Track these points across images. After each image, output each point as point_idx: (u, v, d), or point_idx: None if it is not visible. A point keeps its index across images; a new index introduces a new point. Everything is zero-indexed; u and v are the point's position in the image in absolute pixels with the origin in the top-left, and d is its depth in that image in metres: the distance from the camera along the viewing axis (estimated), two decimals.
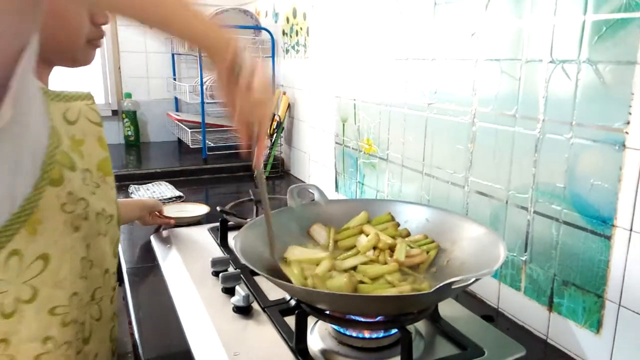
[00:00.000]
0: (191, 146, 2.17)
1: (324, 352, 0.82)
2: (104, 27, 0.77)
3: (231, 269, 1.08)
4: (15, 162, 0.60)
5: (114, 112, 2.47)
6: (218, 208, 1.33)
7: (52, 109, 0.70)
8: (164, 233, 1.33)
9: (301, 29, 1.83)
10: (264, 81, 0.72)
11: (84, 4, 0.68)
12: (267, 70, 0.73)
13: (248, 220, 1.08)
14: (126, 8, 0.61)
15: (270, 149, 1.98)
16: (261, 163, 0.79)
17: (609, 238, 0.76)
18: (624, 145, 0.73)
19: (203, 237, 1.30)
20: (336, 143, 1.61)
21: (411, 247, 0.91)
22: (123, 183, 1.85)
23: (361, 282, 0.83)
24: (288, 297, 0.95)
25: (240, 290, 0.94)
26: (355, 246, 0.94)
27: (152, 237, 1.31)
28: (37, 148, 0.63)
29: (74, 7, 0.69)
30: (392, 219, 1.00)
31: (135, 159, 2.26)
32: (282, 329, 0.87)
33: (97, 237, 0.75)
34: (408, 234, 0.97)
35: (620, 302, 0.76)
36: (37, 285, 0.65)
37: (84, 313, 0.74)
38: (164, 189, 1.74)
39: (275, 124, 1.95)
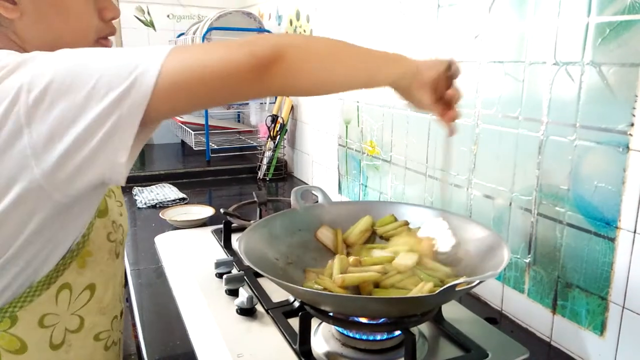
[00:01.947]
0: (194, 148, 2.18)
1: (328, 354, 0.82)
2: (114, 23, 0.73)
3: (235, 271, 1.08)
4: (97, 200, 0.63)
5: None
6: (222, 210, 1.33)
7: None
8: (168, 235, 1.34)
9: (304, 31, 1.84)
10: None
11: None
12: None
13: (252, 222, 1.08)
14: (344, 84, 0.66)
15: (274, 151, 1.98)
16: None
17: (612, 240, 0.76)
18: (627, 148, 0.73)
19: (207, 239, 1.31)
20: (339, 145, 1.61)
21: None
22: (127, 185, 1.86)
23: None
24: (292, 299, 0.95)
25: (244, 292, 0.94)
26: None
27: (156, 239, 1.31)
28: None
29: (81, 2, 0.66)
30: (395, 220, 1.00)
31: (138, 161, 2.27)
32: (285, 330, 0.87)
33: (123, 258, 0.78)
34: None
35: (624, 304, 0.76)
36: (84, 314, 0.66)
37: (118, 331, 0.76)
38: (167, 191, 1.74)
39: (278, 126, 1.95)
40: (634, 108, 0.71)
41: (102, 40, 0.72)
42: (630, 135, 0.72)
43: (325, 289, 0.80)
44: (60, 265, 0.61)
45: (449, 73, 0.73)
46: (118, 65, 0.50)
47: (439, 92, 0.73)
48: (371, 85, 0.69)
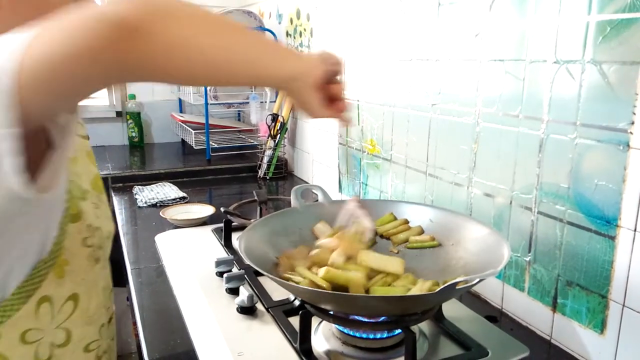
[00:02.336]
0: (195, 147, 2.18)
1: (328, 353, 0.82)
2: None
3: (235, 270, 1.08)
4: (53, 208, 0.58)
5: (118, 114, 2.48)
6: (222, 209, 1.33)
7: None
8: (168, 234, 1.34)
9: (305, 30, 1.83)
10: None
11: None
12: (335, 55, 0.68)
13: (252, 220, 1.08)
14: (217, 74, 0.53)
15: (274, 150, 1.98)
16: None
17: (613, 238, 0.76)
18: (628, 146, 0.73)
19: (207, 238, 1.31)
20: (340, 144, 1.61)
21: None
22: (127, 184, 1.86)
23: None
24: (292, 298, 0.95)
25: (245, 291, 0.95)
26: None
27: (156, 238, 1.31)
28: (65, 187, 0.61)
29: None
30: (395, 218, 1.00)
31: (139, 160, 2.27)
32: (286, 329, 0.87)
33: (106, 261, 0.73)
34: (422, 231, 0.97)
35: (624, 302, 0.76)
36: (70, 327, 0.63)
37: (107, 338, 0.72)
38: (167, 190, 1.74)
39: (279, 124, 1.95)
40: (635, 106, 0.71)
41: None
42: (631, 133, 0.72)
43: (311, 282, 0.79)
44: (34, 277, 0.57)
45: (331, 69, 0.66)
46: None
47: (326, 92, 0.66)
48: (259, 81, 0.61)
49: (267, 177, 1.99)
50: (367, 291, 0.80)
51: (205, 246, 1.25)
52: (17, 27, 0.55)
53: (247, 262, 0.77)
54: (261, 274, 0.88)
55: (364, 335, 0.82)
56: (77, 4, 0.63)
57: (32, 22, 0.58)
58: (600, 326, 0.80)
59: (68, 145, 0.52)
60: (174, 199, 1.65)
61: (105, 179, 1.86)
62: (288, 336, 0.85)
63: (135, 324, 0.96)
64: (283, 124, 1.95)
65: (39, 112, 0.45)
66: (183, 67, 0.48)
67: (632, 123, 0.72)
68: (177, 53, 0.46)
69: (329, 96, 0.67)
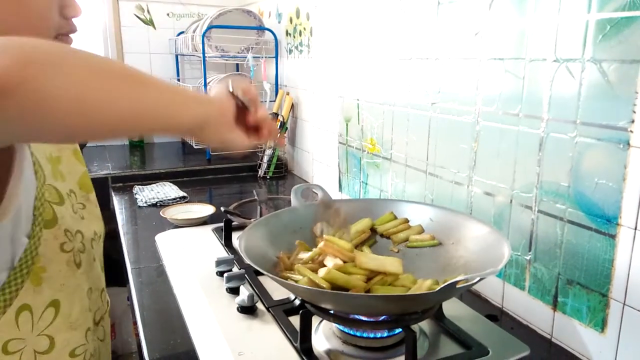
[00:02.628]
0: (195, 147, 2.18)
1: (329, 352, 0.82)
2: (75, 21, 0.66)
3: (235, 269, 1.08)
4: (15, 214, 0.56)
5: None
6: (222, 208, 1.33)
7: None
8: (169, 233, 1.34)
9: (304, 29, 1.83)
10: (252, 90, 0.67)
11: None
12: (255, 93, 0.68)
13: (252, 220, 1.08)
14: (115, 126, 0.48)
15: (274, 149, 1.98)
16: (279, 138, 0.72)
17: (613, 237, 0.76)
18: (628, 144, 0.72)
19: (207, 237, 1.31)
20: (340, 143, 1.61)
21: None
22: (127, 184, 1.86)
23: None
24: (292, 297, 0.95)
25: (245, 290, 0.95)
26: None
27: (156, 238, 1.31)
28: (28, 199, 0.59)
29: None
30: (395, 218, 1.00)
31: (139, 159, 2.27)
32: (286, 328, 0.87)
33: (93, 263, 0.72)
34: (422, 230, 0.97)
35: (625, 301, 0.76)
36: (53, 333, 0.62)
37: (93, 341, 0.71)
38: (168, 190, 1.74)
39: (279, 124, 1.95)
40: (635, 104, 0.71)
41: (62, 36, 0.65)
42: (631, 131, 0.72)
43: (310, 281, 0.79)
44: (10, 287, 0.56)
45: (242, 99, 0.65)
46: None
47: (245, 122, 0.65)
48: (166, 132, 0.57)
49: (267, 177, 1.99)
50: (367, 292, 0.80)
51: (205, 246, 1.25)
52: None
53: (247, 261, 0.77)
54: (261, 274, 0.88)
55: (365, 335, 0.82)
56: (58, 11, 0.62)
57: (10, 24, 0.57)
58: (601, 325, 0.80)
59: (12, 171, 0.50)
60: (174, 199, 1.65)
61: (105, 179, 1.87)
62: (288, 335, 0.85)
63: (135, 323, 0.96)
64: (283, 123, 1.95)
65: None
66: (66, 123, 0.43)
67: (632, 121, 0.72)
68: (57, 110, 0.41)
69: (250, 125, 0.66)
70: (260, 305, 0.95)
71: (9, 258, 0.56)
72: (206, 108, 0.58)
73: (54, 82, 0.40)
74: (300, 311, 0.81)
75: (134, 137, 0.52)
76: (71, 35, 0.65)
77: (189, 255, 1.19)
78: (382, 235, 0.98)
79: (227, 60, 2.17)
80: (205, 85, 2.05)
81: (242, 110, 0.65)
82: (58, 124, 0.43)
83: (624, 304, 0.76)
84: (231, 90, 0.65)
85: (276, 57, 2.11)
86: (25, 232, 0.58)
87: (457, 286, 0.67)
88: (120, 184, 1.86)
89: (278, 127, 1.95)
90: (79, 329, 0.66)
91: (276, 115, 1.96)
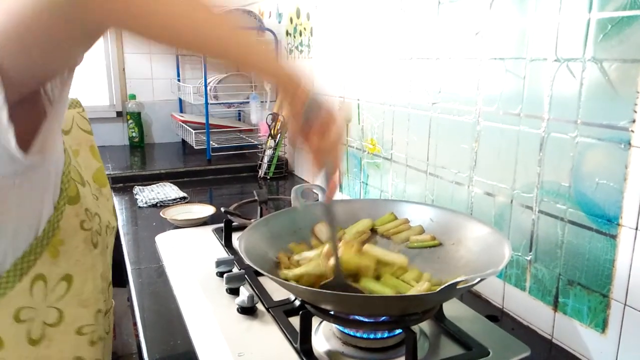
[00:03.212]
0: (195, 147, 2.17)
1: (329, 353, 0.82)
2: None
3: (235, 270, 1.08)
4: (44, 186, 0.59)
5: (119, 114, 2.48)
6: (222, 209, 1.33)
7: None
8: (169, 234, 1.34)
9: (305, 29, 1.83)
10: (337, 128, 0.68)
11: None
12: (339, 114, 0.69)
13: (252, 220, 1.08)
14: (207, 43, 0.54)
15: (274, 149, 1.98)
16: (332, 199, 0.75)
17: (614, 237, 0.76)
18: (629, 144, 0.72)
19: (207, 238, 1.31)
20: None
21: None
22: (127, 184, 1.86)
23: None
24: (292, 298, 0.95)
25: (245, 291, 0.94)
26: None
27: (156, 238, 1.31)
28: (58, 167, 0.62)
29: None
30: (395, 218, 0.99)
31: (139, 160, 2.27)
32: (286, 329, 0.87)
33: (107, 250, 0.74)
34: (422, 231, 0.96)
35: (625, 301, 0.75)
36: (62, 307, 0.63)
37: (103, 329, 0.73)
38: (168, 190, 1.74)
39: (279, 124, 1.95)
40: (636, 104, 0.71)
41: None
42: (632, 131, 0.72)
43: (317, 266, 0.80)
44: (30, 254, 0.59)
45: (313, 114, 0.66)
46: None
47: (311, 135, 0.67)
48: (233, 58, 0.61)
49: (268, 177, 1.99)
50: (377, 278, 0.82)
51: (205, 246, 1.25)
52: None
53: (248, 262, 0.77)
54: (261, 274, 0.88)
55: (365, 335, 0.81)
56: None
57: None
58: (602, 325, 0.80)
59: (58, 114, 0.53)
60: (174, 199, 1.65)
61: None
62: (288, 336, 0.85)
63: (135, 324, 0.96)
64: (284, 124, 1.95)
65: (20, 76, 0.46)
66: (155, 25, 0.48)
67: (633, 121, 0.71)
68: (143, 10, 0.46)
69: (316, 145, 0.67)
70: (260, 306, 0.95)
71: (33, 221, 0.59)
72: (283, 77, 0.63)
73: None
74: (300, 312, 0.80)
75: (221, 56, 0.56)
76: None
77: (189, 256, 1.19)
78: (382, 236, 0.98)
79: None
80: (205, 85, 2.05)
81: (310, 127, 0.67)
82: (132, 25, 0.48)
83: (625, 304, 0.76)
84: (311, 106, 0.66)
85: None
86: (53, 200, 0.61)
87: (458, 287, 0.67)
88: (121, 185, 1.86)
89: (279, 127, 1.95)
90: (88, 307, 0.67)
91: (277, 115, 1.96)
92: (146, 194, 1.70)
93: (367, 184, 1.47)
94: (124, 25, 0.48)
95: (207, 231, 1.35)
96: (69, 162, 0.64)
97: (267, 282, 1.02)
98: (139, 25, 0.48)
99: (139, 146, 2.47)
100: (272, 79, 0.65)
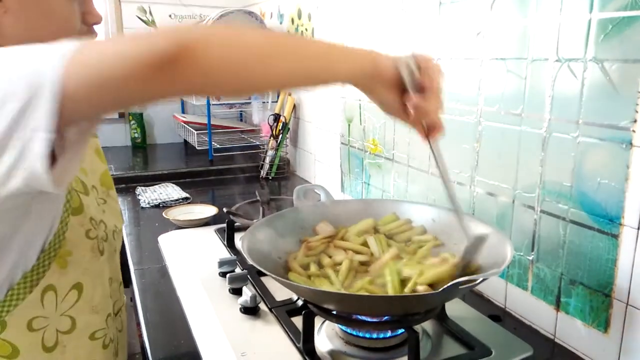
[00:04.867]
0: (197, 148, 2.18)
1: (331, 352, 0.82)
2: (96, 27, 0.71)
3: (238, 270, 1.08)
4: (58, 200, 0.61)
5: (121, 115, 2.48)
6: (225, 209, 1.34)
7: None
8: (171, 234, 1.34)
9: (306, 29, 1.83)
10: (436, 77, 0.66)
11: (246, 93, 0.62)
12: (433, 62, 0.66)
13: (255, 220, 1.08)
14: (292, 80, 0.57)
15: (276, 150, 1.98)
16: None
17: (616, 237, 0.76)
18: (631, 144, 0.72)
19: (210, 238, 1.31)
20: (342, 143, 1.61)
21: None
22: (130, 185, 1.86)
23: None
24: (295, 298, 0.95)
25: (248, 291, 0.95)
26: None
27: (159, 239, 1.31)
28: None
29: (67, 4, 0.64)
30: (397, 218, 1.00)
31: (141, 160, 2.28)
32: (289, 329, 0.87)
33: (114, 254, 0.76)
34: (424, 231, 0.97)
35: (627, 301, 0.76)
36: (74, 314, 0.65)
37: (114, 330, 0.75)
38: (170, 191, 1.75)
39: (281, 124, 1.96)
40: (637, 104, 0.71)
41: None
42: (633, 131, 0.72)
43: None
44: (38, 267, 0.61)
45: (408, 76, 0.64)
46: (16, 73, 0.45)
47: (406, 97, 0.65)
48: (319, 83, 0.62)
49: (270, 177, 1.99)
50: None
51: (208, 247, 1.26)
52: (22, 32, 0.57)
53: (250, 262, 0.77)
54: (264, 274, 0.88)
55: (367, 335, 0.82)
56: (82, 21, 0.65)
57: (35, 28, 0.60)
58: (604, 325, 0.80)
59: (85, 144, 0.53)
60: (176, 200, 1.65)
61: None
62: (291, 336, 0.85)
63: (139, 324, 0.96)
64: (285, 124, 1.96)
65: (77, 119, 0.48)
66: (232, 84, 0.51)
67: (635, 121, 0.71)
68: (218, 74, 0.49)
69: (413, 103, 0.64)
70: (263, 306, 0.95)
71: (43, 236, 0.61)
72: (359, 63, 0.62)
73: (215, 55, 0.48)
74: (303, 312, 0.81)
75: (295, 89, 0.58)
76: None
77: (192, 256, 1.19)
78: (384, 236, 0.98)
79: None
80: None
81: (405, 86, 0.65)
82: (222, 87, 0.51)
83: (627, 304, 0.76)
84: (402, 60, 0.64)
85: None
86: (58, 218, 0.63)
87: (460, 287, 0.67)
88: (123, 185, 1.87)
89: (280, 128, 1.95)
90: (100, 313, 0.70)
91: (278, 116, 1.96)
92: (149, 195, 1.70)
93: (369, 184, 1.47)
94: (208, 92, 0.54)
95: (210, 231, 1.35)
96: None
97: (270, 282, 1.02)
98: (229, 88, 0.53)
99: (142, 147, 2.48)
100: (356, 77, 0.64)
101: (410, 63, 0.64)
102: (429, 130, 0.68)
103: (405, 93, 0.65)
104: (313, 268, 0.86)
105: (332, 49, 0.59)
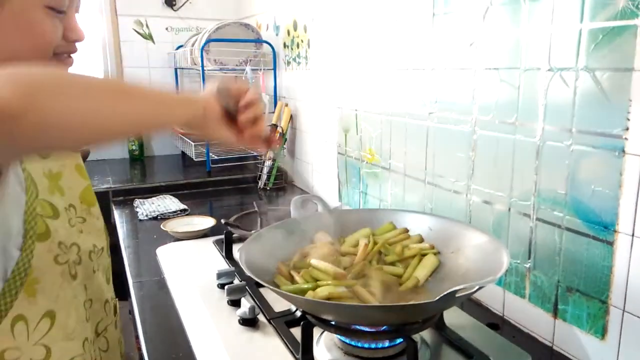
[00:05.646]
0: (195, 159, 2.18)
1: None
2: (83, 44, 0.69)
3: (236, 281, 1.08)
4: (6, 228, 0.58)
5: None
6: (222, 220, 1.34)
7: None
8: (170, 246, 1.34)
9: (302, 41, 1.85)
10: (253, 97, 0.72)
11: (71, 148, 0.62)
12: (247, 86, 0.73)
13: (252, 232, 1.08)
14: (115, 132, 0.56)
15: (274, 160, 1.99)
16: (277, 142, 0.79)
17: (611, 244, 0.77)
18: (623, 151, 0.73)
19: (208, 250, 1.31)
20: (339, 153, 1.62)
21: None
22: (127, 197, 1.86)
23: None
24: (293, 309, 0.95)
25: (246, 302, 0.95)
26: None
27: (157, 251, 1.31)
28: (18, 206, 0.61)
29: (46, 19, 0.62)
30: (394, 227, 1.00)
31: (139, 173, 2.28)
32: (288, 340, 0.87)
33: (93, 275, 0.73)
34: (421, 240, 0.97)
35: (624, 307, 0.76)
36: (49, 343, 0.62)
37: (94, 351, 0.72)
38: (168, 203, 1.75)
39: (278, 135, 1.96)
40: (629, 112, 0.72)
41: (62, 56, 0.66)
42: (626, 139, 0.73)
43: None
44: (5, 297, 0.58)
45: (230, 101, 0.70)
46: None
47: (236, 122, 0.71)
48: (159, 128, 0.67)
49: (268, 188, 2.00)
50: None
51: (206, 258, 1.26)
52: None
53: (248, 273, 0.77)
54: (262, 286, 0.88)
55: (366, 345, 0.82)
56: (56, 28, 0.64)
57: (9, 42, 0.59)
58: (601, 331, 0.80)
59: None
60: (174, 212, 1.65)
61: (106, 193, 1.87)
62: (290, 347, 0.85)
63: (137, 337, 0.96)
64: (282, 135, 1.96)
65: None
66: (70, 138, 0.50)
67: (627, 129, 0.72)
68: (58, 128, 0.47)
69: (242, 126, 0.71)
70: (261, 317, 0.95)
71: (0, 269, 0.58)
72: (191, 109, 0.65)
73: (52, 109, 0.46)
74: (302, 322, 0.81)
75: (132, 137, 0.59)
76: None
77: (190, 268, 1.19)
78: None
79: (225, 73, 2.19)
80: None
81: (232, 112, 0.70)
82: (60, 141, 0.50)
83: (624, 310, 0.76)
84: (220, 91, 0.70)
85: (274, 69, 2.12)
86: (16, 245, 0.60)
87: (457, 295, 0.67)
88: (121, 198, 1.87)
89: (273, 134, 1.96)
90: (76, 339, 0.66)
91: (275, 126, 1.97)
92: (146, 207, 1.70)
93: (366, 194, 1.47)
94: (54, 144, 0.51)
95: (208, 243, 1.35)
96: (33, 198, 0.63)
97: (268, 294, 1.02)
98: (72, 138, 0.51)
99: (139, 159, 2.48)
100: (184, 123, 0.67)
101: (217, 88, 0.70)
102: (268, 141, 0.75)
103: (232, 122, 0.71)
104: (300, 279, 0.86)
105: (165, 96, 0.62)
